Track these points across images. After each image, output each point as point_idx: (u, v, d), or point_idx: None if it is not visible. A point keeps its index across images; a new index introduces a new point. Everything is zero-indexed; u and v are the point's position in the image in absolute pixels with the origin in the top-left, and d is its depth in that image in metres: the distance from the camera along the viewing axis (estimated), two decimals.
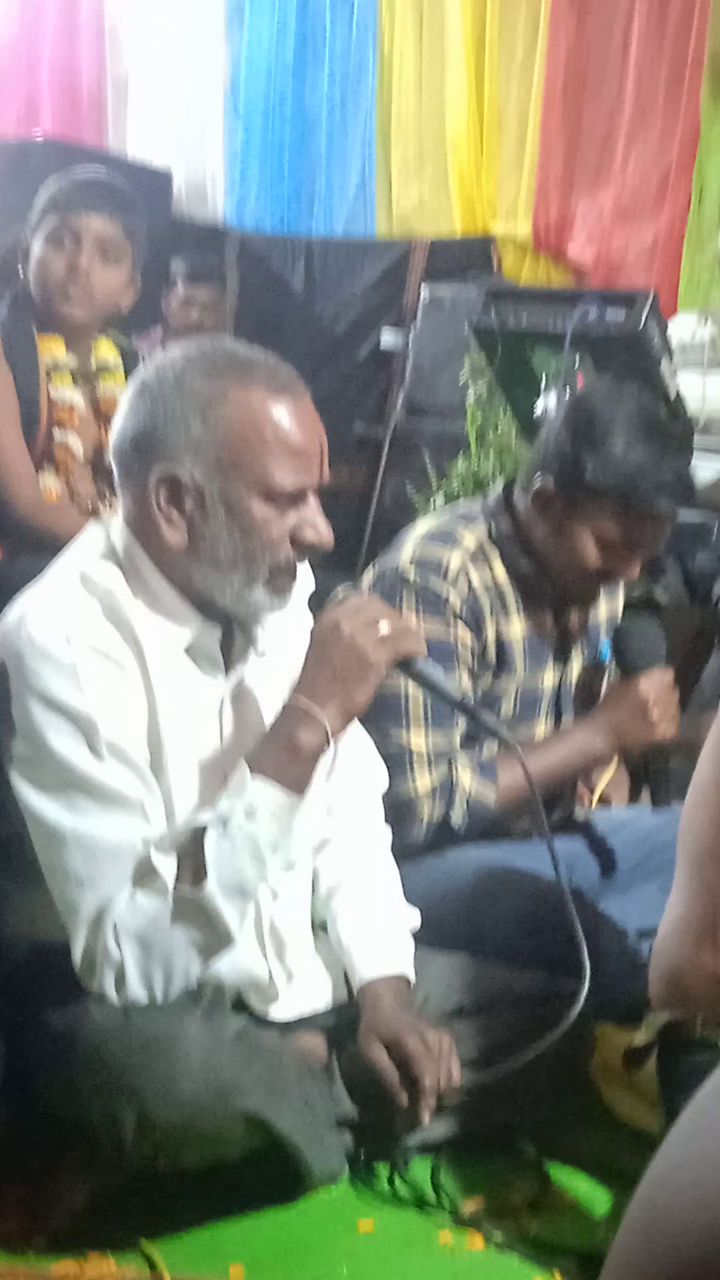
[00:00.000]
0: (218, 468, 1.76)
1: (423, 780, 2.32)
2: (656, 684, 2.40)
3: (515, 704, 2.46)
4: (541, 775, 2.30)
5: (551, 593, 2.47)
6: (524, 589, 2.44)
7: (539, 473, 2.38)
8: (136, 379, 1.83)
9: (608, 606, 2.62)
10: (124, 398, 1.84)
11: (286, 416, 1.77)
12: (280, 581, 1.82)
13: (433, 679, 1.91)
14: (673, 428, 2.42)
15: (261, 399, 1.76)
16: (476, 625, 2.38)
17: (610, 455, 2.30)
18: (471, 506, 2.52)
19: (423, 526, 2.47)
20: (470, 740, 2.40)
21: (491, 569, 2.41)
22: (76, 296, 3.06)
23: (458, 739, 2.35)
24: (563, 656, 2.52)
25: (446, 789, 2.32)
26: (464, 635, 2.36)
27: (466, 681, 2.37)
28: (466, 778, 2.33)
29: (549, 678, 2.51)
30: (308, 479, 1.79)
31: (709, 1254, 0.79)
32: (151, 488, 1.77)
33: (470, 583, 2.37)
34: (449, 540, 2.39)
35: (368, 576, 2.44)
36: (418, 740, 2.31)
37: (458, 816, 2.32)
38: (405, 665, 1.88)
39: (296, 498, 1.79)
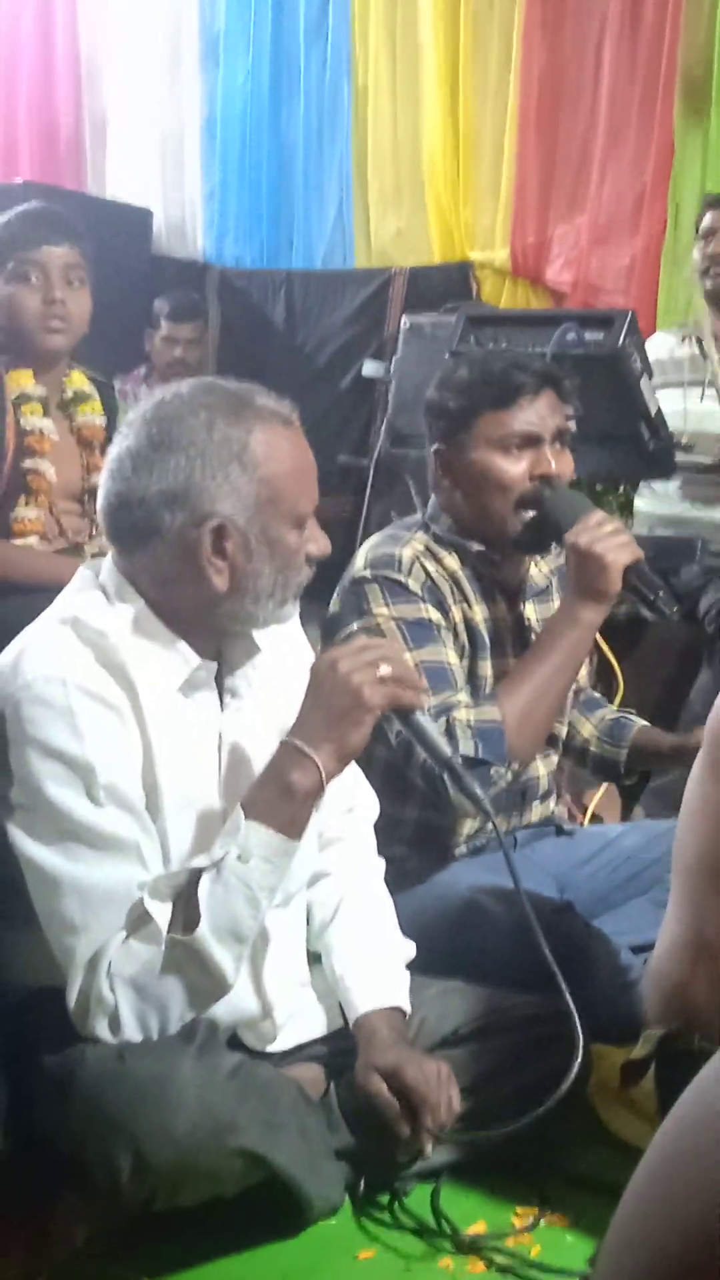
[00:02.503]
0: (257, 506, 1.80)
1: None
2: (590, 527, 2.32)
3: (492, 687, 2.44)
4: (540, 677, 2.33)
5: (504, 579, 2.49)
6: (477, 578, 2.46)
7: (429, 447, 2.46)
8: (140, 433, 1.82)
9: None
10: (123, 453, 1.83)
11: (296, 445, 1.84)
12: (298, 594, 1.90)
13: (427, 732, 1.92)
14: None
15: (278, 433, 1.82)
16: (441, 609, 2.40)
17: (449, 376, 2.43)
18: (413, 518, 2.56)
19: (370, 540, 2.51)
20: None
21: (441, 562, 2.44)
22: (59, 326, 3.11)
23: (460, 697, 2.34)
24: (524, 645, 2.49)
25: (449, 732, 2.27)
26: (434, 615, 2.38)
27: (454, 658, 2.37)
28: (463, 712, 2.29)
29: (514, 664, 2.50)
30: (316, 498, 1.88)
31: (698, 1249, 0.79)
32: (200, 538, 1.79)
33: (426, 571, 2.40)
34: (396, 542, 2.44)
35: (333, 601, 2.45)
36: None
37: (468, 747, 2.25)
38: (401, 715, 1.91)
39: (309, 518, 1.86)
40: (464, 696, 2.33)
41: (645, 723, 2.71)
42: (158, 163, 6.36)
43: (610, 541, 2.31)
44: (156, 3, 6.29)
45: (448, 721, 2.26)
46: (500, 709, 2.30)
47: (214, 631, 1.88)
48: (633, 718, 2.71)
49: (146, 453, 1.81)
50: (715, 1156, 0.84)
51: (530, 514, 2.38)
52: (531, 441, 2.38)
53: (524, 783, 2.52)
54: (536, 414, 2.37)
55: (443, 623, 2.39)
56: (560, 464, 2.39)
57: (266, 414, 1.82)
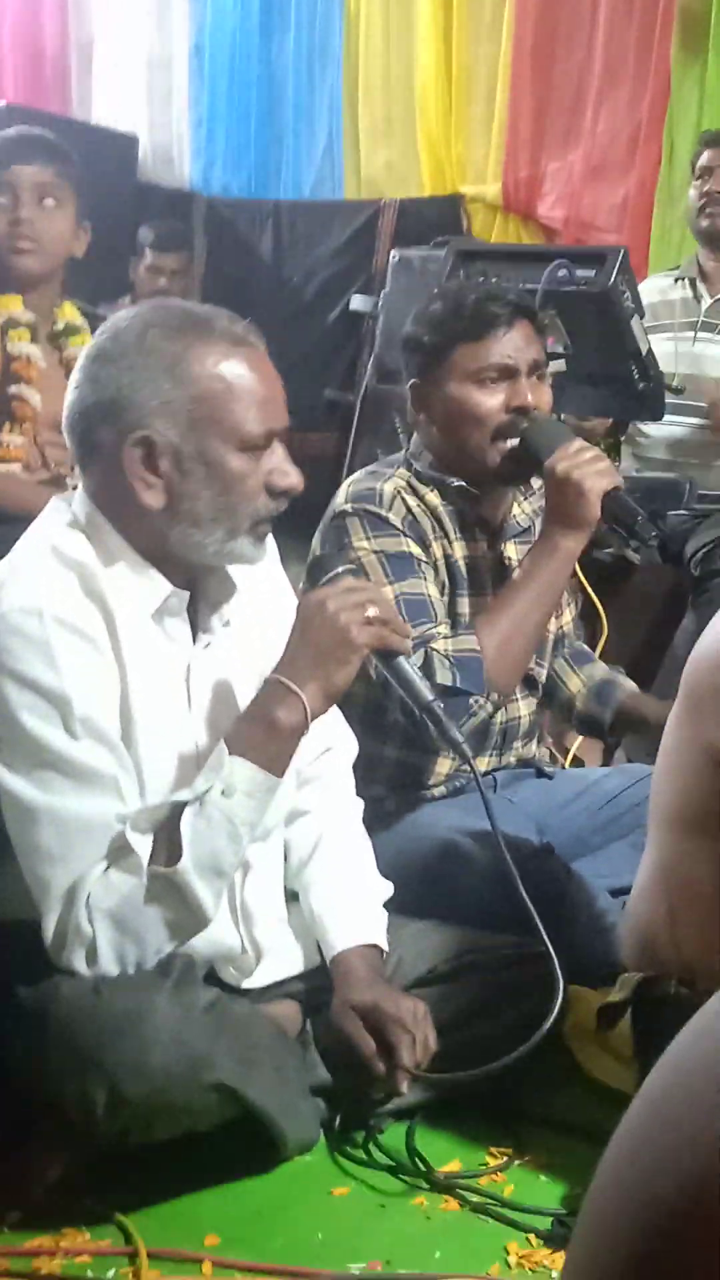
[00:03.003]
0: (191, 425, 1.75)
1: None
2: (569, 454, 2.30)
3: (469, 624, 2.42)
4: (519, 607, 2.32)
5: (485, 516, 2.47)
6: (459, 515, 2.44)
7: (406, 382, 2.45)
8: (90, 347, 1.82)
9: None
10: (77, 368, 1.82)
11: (249, 366, 1.78)
12: (260, 530, 1.83)
13: (409, 677, 1.91)
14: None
15: (224, 352, 1.77)
16: (422, 544, 2.38)
17: (424, 311, 2.42)
18: (395, 455, 2.54)
19: (353, 476, 2.49)
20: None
21: (423, 498, 2.42)
22: (27, 247, 3.07)
23: (439, 629, 2.32)
24: (503, 584, 2.47)
25: (427, 662, 2.26)
26: (415, 549, 2.36)
27: (435, 591, 2.36)
28: (441, 642, 2.28)
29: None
30: (275, 424, 1.80)
31: (682, 1209, 0.78)
32: (126, 451, 1.75)
33: (407, 505, 2.39)
34: (378, 477, 2.43)
35: (315, 536, 2.43)
36: None
37: (446, 677, 2.24)
38: (384, 657, 1.90)
39: (266, 445, 1.79)
40: (444, 629, 2.32)
41: (633, 686, 2.69)
42: (144, 89, 6.26)
43: (589, 469, 2.29)
44: None
45: (426, 652, 2.25)
46: (479, 639, 2.29)
47: (179, 562, 1.84)
48: (621, 679, 2.69)
49: (88, 366, 1.80)
50: (710, 1099, 0.82)
51: (510, 444, 2.36)
52: (507, 373, 2.35)
53: (506, 723, 2.51)
54: (511, 345, 2.35)
55: (423, 557, 2.37)
56: (537, 396, 2.37)
57: (213, 332, 1.78)
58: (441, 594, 2.40)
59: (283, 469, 1.81)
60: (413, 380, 2.44)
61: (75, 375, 1.82)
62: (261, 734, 1.77)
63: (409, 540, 2.36)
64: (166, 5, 6.21)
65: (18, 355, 3.06)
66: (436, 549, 2.40)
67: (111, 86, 6.35)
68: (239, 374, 1.76)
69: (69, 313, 3.18)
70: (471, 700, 2.26)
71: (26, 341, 3.08)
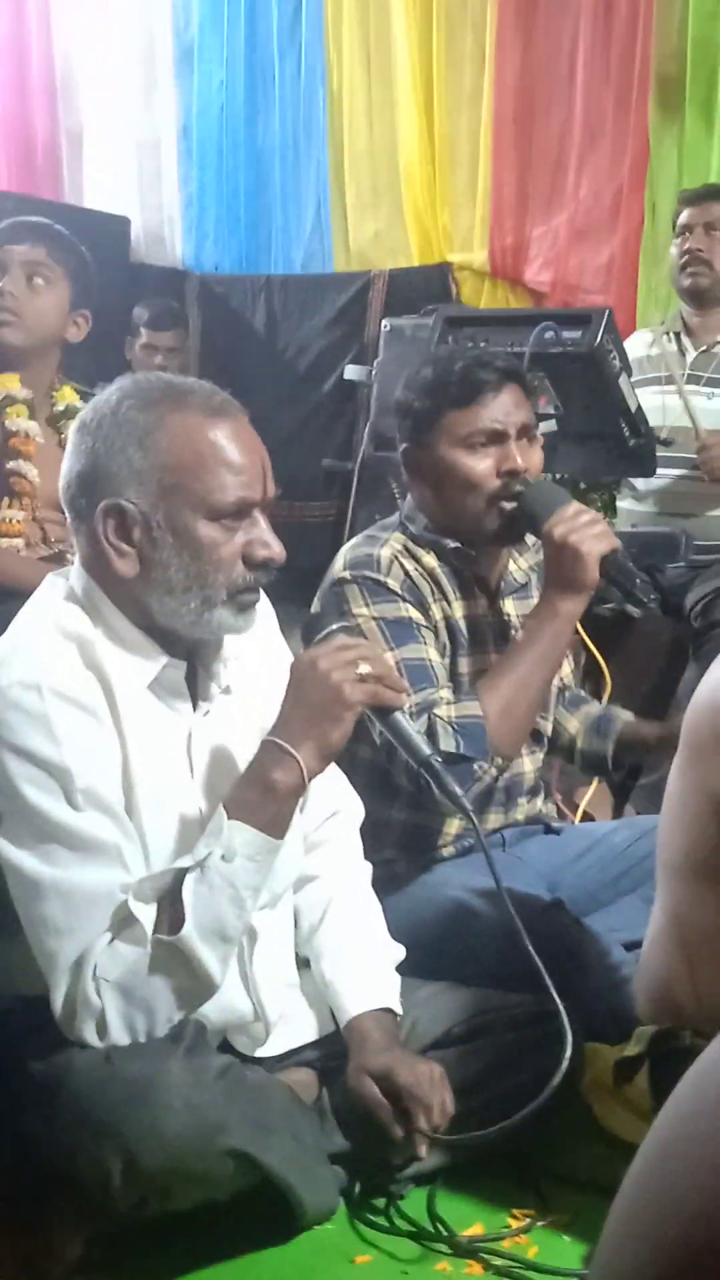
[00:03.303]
0: (160, 493, 1.77)
1: None
2: (566, 518, 2.32)
3: (473, 684, 2.43)
4: (521, 670, 2.33)
5: (483, 575, 2.48)
6: (457, 575, 2.46)
7: (399, 447, 2.48)
8: (77, 419, 1.86)
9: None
10: (68, 438, 1.86)
11: (222, 436, 1.79)
12: (242, 600, 1.83)
13: (406, 732, 1.91)
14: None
15: (197, 421, 1.78)
16: (422, 607, 2.40)
17: (414, 377, 2.45)
18: (390, 519, 2.56)
19: (349, 543, 2.51)
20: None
21: (420, 561, 2.43)
22: (7, 320, 3.11)
23: (442, 694, 2.32)
24: (504, 642, 2.50)
25: (431, 729, 2.27)
26: (414, 614, 2.38)
27: (435, 655, 2.37)
28: (444, 708, 2.28)
29: (495, 660, 2.49)
30: (250, 494, 1.80)
31: (692, 1251, 0.78)
32: (98, 520, 1.78)
33: (405, 570, 2.40)
34: (375, 543, 2.44)
35: (314, 604, 2.44)
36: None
37: (449, 743, 2.24)
38: (380, 714, 1.89)
39: (241, 515, 1.80)
40: (446, 693, 2.32)
41: (630, 715, 2.71)
42: (135, 171, 6.35)
43: (586, 532, 2.31)
44: (130, 13, 6.29)
45: (429, 718, 2.26)
46: (481, 704, 2.29)
47: (170, 632, 1.85)
48: (617, 711, 2.71)
49: (73, 436, 1.84)
50: (714, 1144, 0.83)
51: (505, 506, 2.38)
52: (496, 438, 2.38)
53: (510, 780, 2.52)
54: (500, 410, 2.37)
55: (423, 621, 2.39)
56: (527, 458, 2.39)
57: (189, 402, 1.79)
58: (443, 656, 2.41)
59: (263, 540, 1.81)
60: (404, 445, 2.47)
61: (67, 447, 1.86)
62: (259, 796, 1.77)
63: (408, 605, 2.37)
64: (153, 88, 6.31)
65: (16, 431, 3.10)
66: (436, 611, 2.42)
67: (102, 170, 6.43)
68: (211, 443, 1.78)
69: (68, 395, 3.22)
70: (475, 766, 2.27)
71: (25, 418, 3.12)
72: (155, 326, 5.11)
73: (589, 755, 2.68)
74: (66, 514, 1.87)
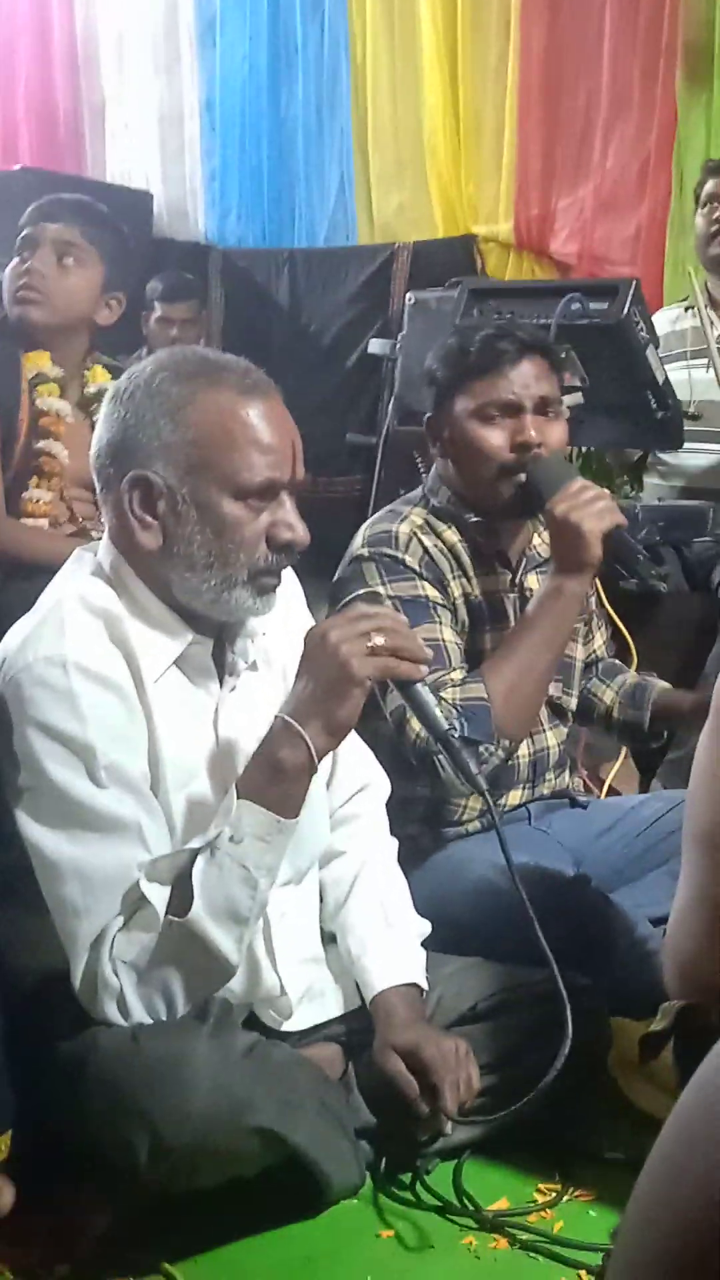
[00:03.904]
0: (187, 468, 1.76)
1: (414, 724, 2.23)
2: (569, 495, 2.29)
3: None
4: (526, 652, 2.31)
5: (504, 550, 2.47)
6: (477, 550, 2.44)
7: (424, 416, 2.47)
8: (111, 389, 1.85)
9: None
10: (100, 409, 1.85)
11: (255, 415, 1.77)
12: (262, 582, 1.81)
13: (425, 704, 1.88)
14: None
15: (230, 399, 1.77)
16: (440, 584, 2.39)
17: (441, 346, 2.44)
18: (414, 492, 2.55)
19: (371, 518, 2.50)
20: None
21: (441, 536, 2.42)
22: (32, 297, 3.07)
23: (454, 675, 2.31)
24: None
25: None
26: (431, 592, 2.36)
27: (450, 635, 2.36)
28: (449, 691, 2.25)
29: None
30: (278, 475, 1.79)
31: (714, 1227, 0.78)
32: (123, 491, 1.77)
33: (424, 546, 2.39)
34: (394, 518, 2.43)
35: (336, 576, 2.44)
36: None
37: (454, 726, 2.20)
38: (401, 685, 1.87)
39: (268, 496, 1.79)
40: (458, 674, 2.30)
41: (665, 685, 2.70)
42: (157, 145, 6.34)
43: (588, 509, 2.28)
44: None
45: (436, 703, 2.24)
46: (486, 686, 2.27)
47: (191, 609, 1.84)
48: (652, 680, 2.70)
49: (105, 406, 1.83)
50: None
51: (520, 479, 2.36)
52: (511, 409, 2.36)
53: (535, 754, 2.51)
54: (517, 382, 2.35)
55: (440, 599, 2.37)
56: (545, 432, 2.36)
57: (224, 378, 1.78)
58: (461, 634, 2.40)
59: (287, 522, 1.80)
60: (428, 414, 2.46)
61: (99, 415, 1.85)
62: (267, 776, 1.75)
63: (425, 583, 2.36)
64: (176, 62, 6.29)
65: (47, 410, 3.08)
66: (455, 588, 2.41)
67: (124, 145, 6.43)
68: (243, 422, 1.77)
69: (100, 376, 3.19)
70: (481, 748, 2.26)
71: (56, 396, 3.11)
72: (169, 299, 5.10)
73: (625, 725, 2.68)
74: (96, 483, 1.86)
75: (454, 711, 2.23)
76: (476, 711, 2.25)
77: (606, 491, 2.38)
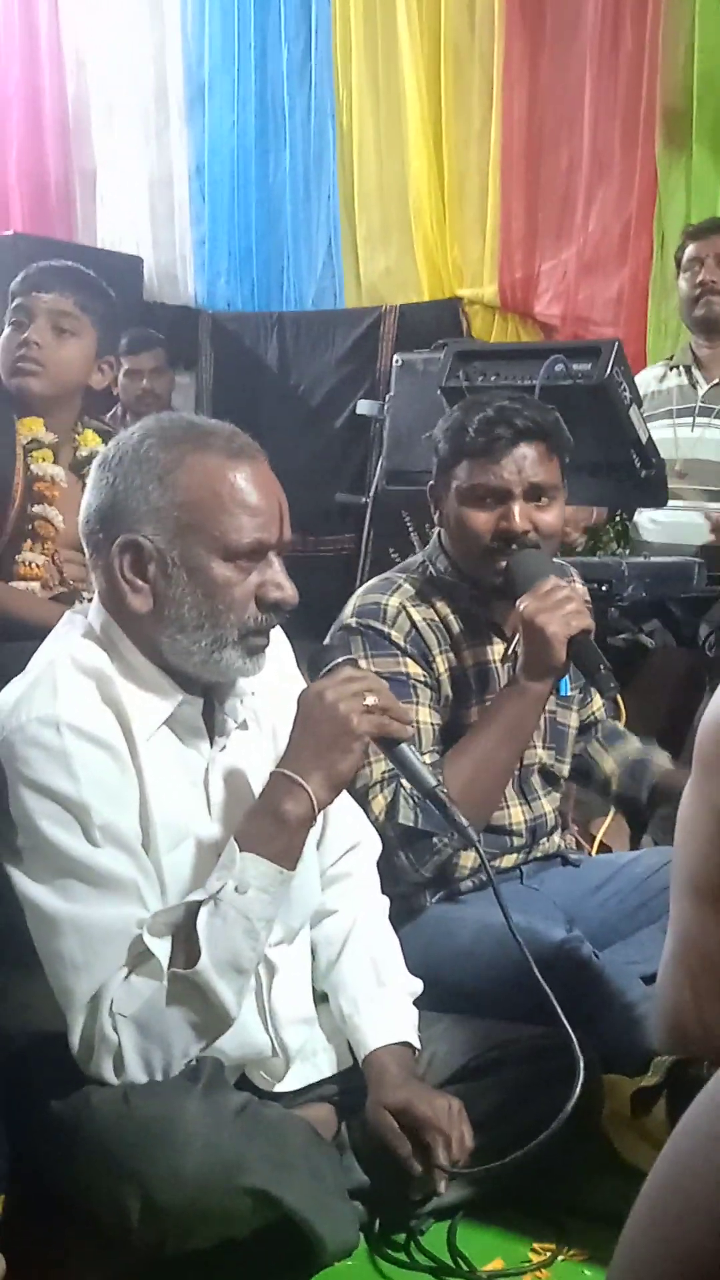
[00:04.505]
0: (177, 531, 1.79)
1: (377, 803, 2.28)
2: (538, 595, 2.27)
3: None
4: (484, 750, 2.30)
5: (497, 620, 2.47)
6: (470, 620, 2.45)
7: (428, 482, 2.48)
8: (100, 455, 1.88)
9: None
10: (90, 475, 1.88)
11: (241, 478, 1.80)
12: (251, 643, 1.84)
13: (412, 763, 1.91)
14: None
15: (217, 463, 1.80)
16: (425, 660, 2.39)
17: (449, 417, 2.44)
18: (414, 559, 2.56)
19: (364, 586, 2.51)
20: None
21: (434, 607, 2.43)
22: (30, 369, 3.10)
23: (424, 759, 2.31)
24: None
25: (393, 800, 2.28)
26: (414, 670, 2.37)
27: (426, 715, 2.36)
28: (409, 782, 2.22)
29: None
30: (266, 536, 1.81)
31: (701, 1271, 0.79)
32: (114, 555, 1.80)
33: (412, 620, 2.39)
34: (386, 589, 2.44)
35: (325, 641, 2.44)
36: (378, 769, 2.29)
37: (408, 817, 2.25)
38: (386, 745, 1.90)
39: (257, 557, 1.81)
40: (428, 759, 2.29)
41: (666, 762, 2.70)
42: (147, 211, 6.42)
43: (554, 613, 2.26)
44: (142, 54, 6.37)
45: (395, 788, 2.26)
46: (444, 779, 2.23)
47: (181, 670, 1.86)
48: (654, 757, 2.70)
49: (94, 472, 1.86)
50: (712, 1180, 0.83)
51: (502, 565, 2.37)
52: (500, 495, 2.35)
53: (533, 822, 2.53)
54: (510, 469, 2.34)
55: (422, 676, 2.38)
56: (535, 519, 2.36)
57: (211, 442, 1.81)
58: (444, 709, 2.41)
59: (276, 581, 1.82)
60: (430, 482, 2.47)
61: (88, 482, 1.88)
62: (270, 828, 1.77)
63: (408, 660, 2.37)
64: (165, 128, 6.38)
65: (42, 476, 3.11)
66: (440, 663, 2.41)
67: (115, 210, 6.51)
68: (230, 485, 1.79)
69: (91, 440, 3.23)
70: (434, 840, 2.27)
71: (50, 462, 3.14)
72: (134, 350, 5.15)
73: (624, 799, 2.69)
74: (85, 548, 1.89)
75: (409, 801, 2.25)
76: (431, 810, 2.20)
77: (580, 591, 2.37)
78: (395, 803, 2.26)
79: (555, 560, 2.46)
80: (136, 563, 1.80)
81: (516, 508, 2.35)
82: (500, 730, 2.33)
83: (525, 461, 2.35)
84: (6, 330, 3.13)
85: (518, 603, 2.30)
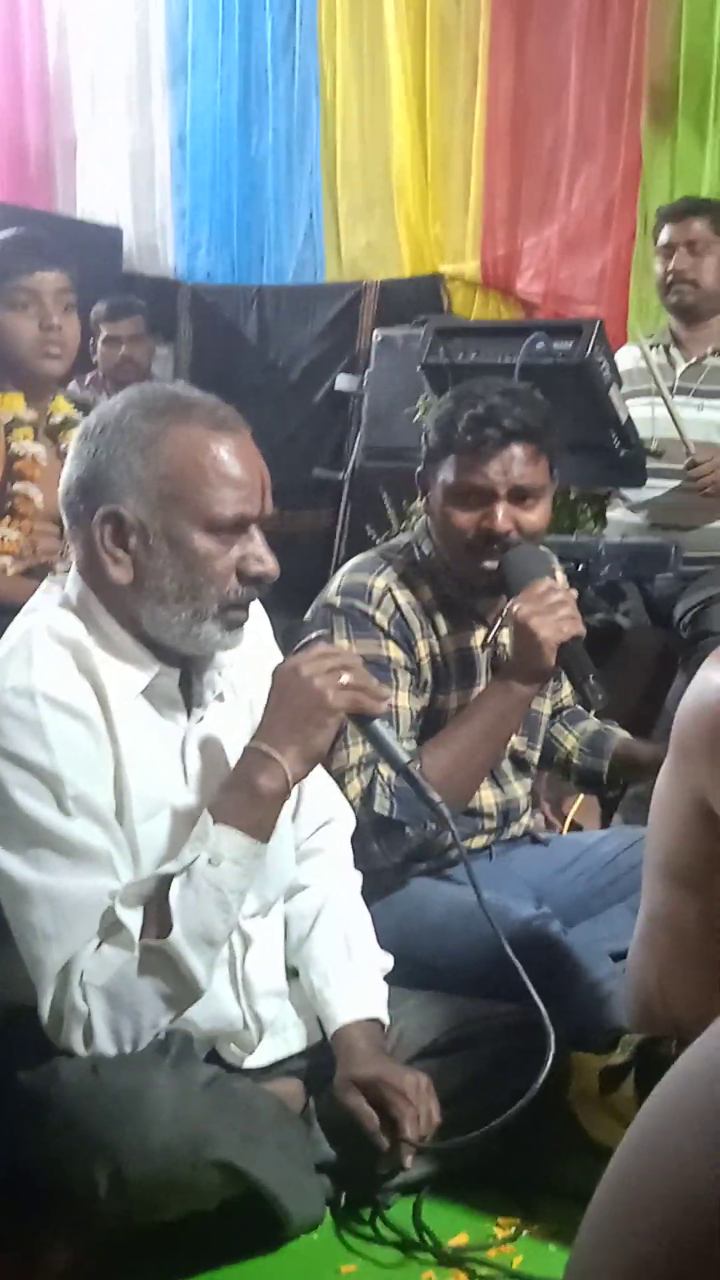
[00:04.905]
0: (159, 502, 1.78)
1: (353, 787, 2.28)
2: (532, 597, 2.28)
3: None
4: (464, 744, 2.31)
5: (479, 608, 2.47)
6: (452, 606, 2.45)
7: (417, 469, 2.47)
8: (81, 426, 1.87)
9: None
10: (70, 445, 1.87)
11: (225, 449, 1.79)
12: (231, 616, 1.83)
13: (385, 740, 1.91)
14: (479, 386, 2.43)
15: (200, 434, 1.79)
16: (408, 644, 2.39)
17: (441, 407, 2.42)
18: (401, 538, 2.56)
19: (351, 562, 2.50)
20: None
21: (417, 591, 2.42)
22: (56, 353, 3.12)
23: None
24: (494, 674, 2.47)
25: (369, 786, 2.28)
26: (396, 653, 2.37)
27: (405, 700, 2.36)
28: (386, 769, 2.25)
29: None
30: (248, 509, 1.81)
31: (669, 1250, 0.79)
32: (95, 525, 1.79)
33: (396, 603, 2.39)
34: (372, 568, 2.43)
35: (307, 616, 2.44)
36: (355, 754, 2.29)
37: (383, 806, 2.26)
38: (360, 721, 1.90)
39: (239, 529, 1.81)
40: (408, 745, 2.30)
41: (626, 734, 2.71)
42: (128, 182, 6.38)
43: (547, 617, 2.26)
44: (124, 22, 6.32)
45: (372, 775, 2.26)
46: (422, 770, 2.22)
47: (159, 642, 1.86)
48: (614, 729, 2.71)
49: (75, 443, 1.84)
50: (682, 1157, 0.84)
51: (487, 565, 2.36)
52: (484, 495, 2.34)
53: (505, 805, 2.54)
54: (496, 469, 2.32)
55: (403, 660, 2.38)
56: (518, 519, 2.34)
57: (194, 414, 1.80)
58: (423, 693, 2.41)
59: (258, 554, 1.82)
60: (419, 469, 2.45)
61: (69, 453, 1.87)
62: (245, 801, 1.78)
63: (390, 643, 2.37)
64: (147, 98, 6.34)
65: (23, 454, 3.11)
66: (422, 647, 2.41)
67: (95, 181, 6.47)
68: (213, 457, 1.79)
69: (63, 406, 3.24)
70: (407, 830, 2.28)
71: (30, 440, 3.13)
72: (112, 318, 5.12)
73: (584, 772, 2.69)
74: (65, 519, 1.88)
75: (387, 790, 2.25)
76: (407, 794, 2.19)
77: (573, 595, 2.36)
78: (371, 790, 2.26)
79: (541, 550, 2.45)
80: (117, 534, 1.79)
81: (500, 509, 2.33)
82: (482, 727, 2.33)
83: (512, 463, 2.33)
84: (8, 312, 3.09)
85: (510, 603, 2.30)
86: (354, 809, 2.24)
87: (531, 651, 2.27)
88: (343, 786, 2.25)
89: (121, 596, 1.82)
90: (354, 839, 2.19)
